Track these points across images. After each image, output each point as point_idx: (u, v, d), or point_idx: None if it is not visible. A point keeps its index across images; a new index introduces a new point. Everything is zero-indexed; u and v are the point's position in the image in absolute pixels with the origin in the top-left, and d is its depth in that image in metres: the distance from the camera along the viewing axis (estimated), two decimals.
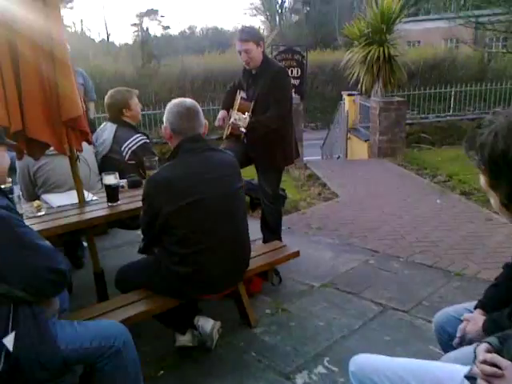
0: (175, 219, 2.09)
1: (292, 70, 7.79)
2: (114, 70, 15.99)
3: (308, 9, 36.87)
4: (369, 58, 8.81)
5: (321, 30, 32.38)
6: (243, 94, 3.55)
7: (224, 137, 3.52)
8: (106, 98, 3.37)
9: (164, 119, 2.25)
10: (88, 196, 2.67)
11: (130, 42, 35.89)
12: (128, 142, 3.23)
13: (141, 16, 43.99)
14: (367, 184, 6.23)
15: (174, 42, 39.37)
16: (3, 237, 1.61)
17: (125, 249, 4.02)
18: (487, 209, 4.93)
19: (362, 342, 2.60)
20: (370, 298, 3.06)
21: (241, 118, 3.13)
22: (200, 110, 2.24)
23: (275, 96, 3.25)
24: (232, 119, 3.20)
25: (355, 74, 9.08)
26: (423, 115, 10.27)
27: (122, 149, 3.22)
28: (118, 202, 2.64)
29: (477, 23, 17.45)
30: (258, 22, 39.96)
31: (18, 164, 2.99)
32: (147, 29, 42.35)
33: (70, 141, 2.42)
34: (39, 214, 2.47)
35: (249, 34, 3.31)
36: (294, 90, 7.92)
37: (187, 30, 53.81)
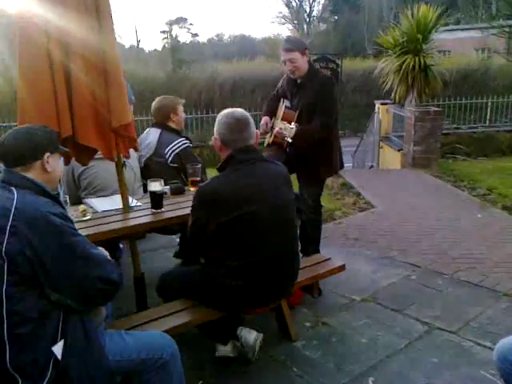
0: (227, 231, 2.04)
1: None
2: (145, 76, 16.23)
3: (336, 17, 36.76)
4: (404, 67, 8.68)
5: (349, 39, 32.22)
6: (287, 103, 3.51)
7: (265, 144, 3.48)
8: (154, 103, 3.40)
9: (214, 130, 2.21)
10: (132, 201, 2.65)
11: (159, 48, 36.45)
12: (172, 145, 3.23)
13: (170, 24, 44.73)
14: (403, 194, 6.10)
15: (203, 48, 39.83)
16: (56, 245, 1.59)
17: (161, 252, 4.03)
18: None
19: (408, 363, 2.49)
20: (415, 316, 2.94)
21: (287, 128, 3.07)
22: (251, 119, 2.18)
23: (322, 105, 3.19)
24: (277, 128, 3.15)
25: (389, 83, 8.97)
26: (457, 125, 10.03)
27: (166, 151, 3.22)
28: (162, 209, 2.60)
29: (510, 33, 17.12)
30: (286, 31, 40.05)
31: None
32: (176, 36, 43.11)
33: (118, 147, 2.40)
34: (85, 218, 2.45)
35: (294, 44, 3.28)
36: None
37: (215, 37, 54.48)
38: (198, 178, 3.03)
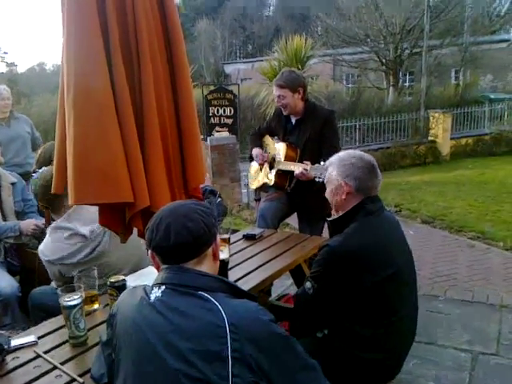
0: (371, 295, 1.72)
1: (225, 110, 7.57)
2: None
3: None
4: None
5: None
6: (277, 141, 3.32)
7: (271, 184, 3.24)
8: None
9: (339, 174, 1.85)
10: None
11: None
12: None
13: None
14: None
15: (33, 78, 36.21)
16: (291, 364, 1.19)
17: None
18: (456, 235, 5.26)
19: None
20: (451, 345, 2.96)
21: (318, 167, 2.84)
22: None
23: (330, 141, 3.09)
24: (299, 169, 2.92)
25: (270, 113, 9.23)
26: None
27: None
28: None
29: (335, 60, 19.57)
30: None
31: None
32: None
33: None
34: None
35: (285, 80, 3.13)
36: (227, 130, 7.72)
37: (36, 67, 49.99)
38: (228, 236, 2.61)
